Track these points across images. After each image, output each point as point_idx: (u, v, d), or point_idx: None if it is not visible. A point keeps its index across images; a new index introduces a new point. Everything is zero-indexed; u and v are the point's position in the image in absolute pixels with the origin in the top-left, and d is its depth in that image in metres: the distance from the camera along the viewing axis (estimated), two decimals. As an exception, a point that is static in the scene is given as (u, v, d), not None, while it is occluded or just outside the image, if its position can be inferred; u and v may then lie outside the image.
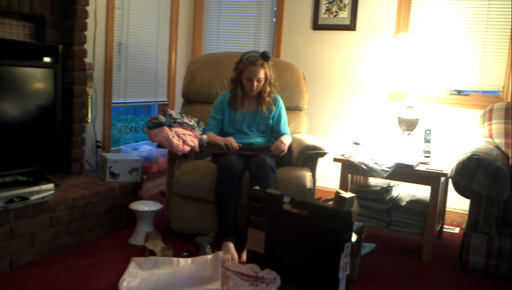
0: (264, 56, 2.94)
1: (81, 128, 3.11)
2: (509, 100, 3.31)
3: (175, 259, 2.48)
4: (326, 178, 3.78)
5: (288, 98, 3.34)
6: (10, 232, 2.34)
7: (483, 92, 3.50)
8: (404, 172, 2.85)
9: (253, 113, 3.07)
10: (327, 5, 3.85)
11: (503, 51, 3.37)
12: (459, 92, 3.55)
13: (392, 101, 3.68)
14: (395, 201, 3.03)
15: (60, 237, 2.61)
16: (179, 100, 4.18)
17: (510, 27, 3.31)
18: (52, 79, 2.81)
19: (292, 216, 2.34)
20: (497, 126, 2.99)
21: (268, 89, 3.01)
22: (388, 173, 2.83)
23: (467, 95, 3.53)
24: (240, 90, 3.02)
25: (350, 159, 2.95)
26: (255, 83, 2.95)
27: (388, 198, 3.05)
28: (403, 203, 3.00)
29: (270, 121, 3.09)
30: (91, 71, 3.24)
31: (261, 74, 2.95)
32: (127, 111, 6.71)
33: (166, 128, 2.83)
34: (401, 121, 3.21)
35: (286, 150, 2.95)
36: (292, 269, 2.36)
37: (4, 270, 2.33)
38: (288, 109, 3.26)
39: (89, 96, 3.20)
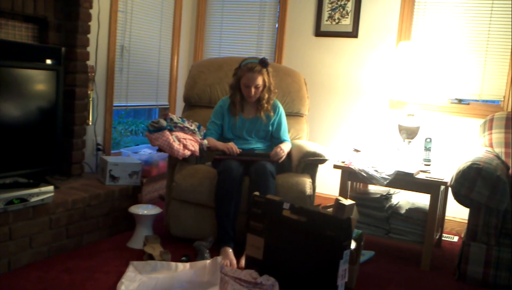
0: (263, 63, 2.94)
1: (82, 131, 3.12)
2: (509, 109, 3.31)
3: (173, 263, 2.48)
4: (326, 184, 3.79)
5: (289, 104, 3.35)
6: (9, 233, 2.34)
7: (483, 101, 3.52)
8: (404, 180, 2.85)
9: (253, 119, 3.07)
10: (329, 12, 3.86)
11: (504, 61, 3.38)
12: (460, 101, 3.56)
13: (393, 109, 3.69)
14: (395, 209, 3.03)
15: (59, 239, 2.61)
16: (180, 104, 4.19)
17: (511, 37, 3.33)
18: (54, 81, 2.83)
19: (292, 222, 2.34)
20: (498, 135, 3.00)
21: (266, 95, 2.99)
22: (388, 181, 2.83)
23: (468, 104, 3.53)
24: (239, 96, 3.02)
25: (350, 166, 2.96)
26: (253, 90, 2.94)
27: (387, 205, 3.05)
28: (403, 211, 3.00)
29: (270, 128, 3.09)
30: (93, 74, 3.25)
31: (259, 81, 2.93)
32: (127, 114, 6.71)
33: (167, 132, 2.83)
34: (401, 129, 3.21)
35: (284, 157, 2.95)
36: (290, 275, 2.35)
37: (2, 272, 2.32)
38: (289, 115, 3.27)
39: (90, 99, 3.21)
